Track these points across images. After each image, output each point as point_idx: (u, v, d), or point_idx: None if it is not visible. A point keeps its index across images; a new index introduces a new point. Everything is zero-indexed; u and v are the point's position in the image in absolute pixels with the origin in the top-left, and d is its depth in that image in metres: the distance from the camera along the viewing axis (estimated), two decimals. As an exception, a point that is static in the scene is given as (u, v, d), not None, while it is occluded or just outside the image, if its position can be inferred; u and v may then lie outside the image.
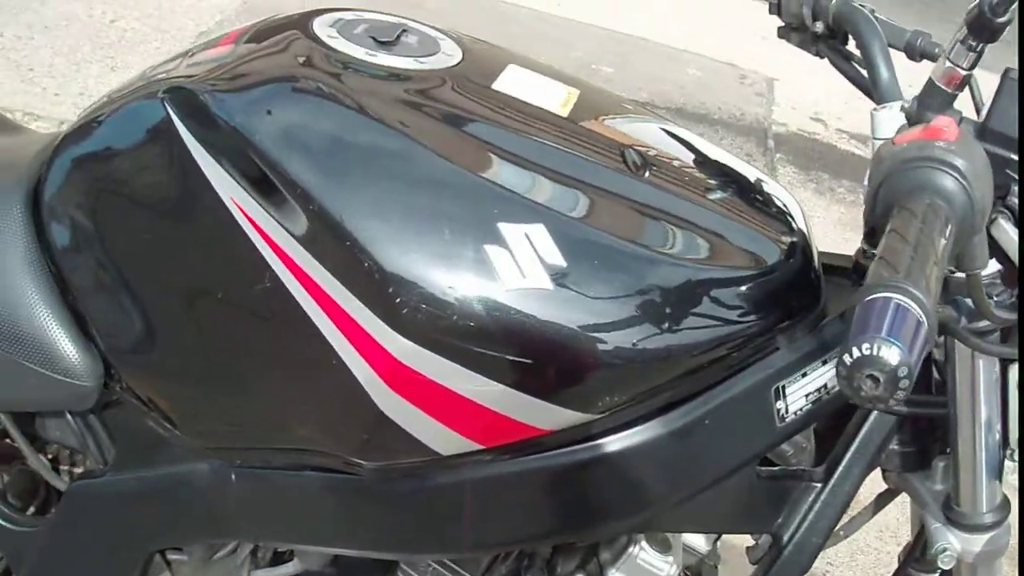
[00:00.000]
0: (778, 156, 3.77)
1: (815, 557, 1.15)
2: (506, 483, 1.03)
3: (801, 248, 1.09)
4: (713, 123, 3.75)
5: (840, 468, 1.12)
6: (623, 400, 0.99)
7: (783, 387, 1.05)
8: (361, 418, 1.02)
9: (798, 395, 1.06)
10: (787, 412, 1.05)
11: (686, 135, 1.23)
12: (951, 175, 0.79)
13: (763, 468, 1.11)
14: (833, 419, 1.14)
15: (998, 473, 1.05)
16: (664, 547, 1.16)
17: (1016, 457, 1.06)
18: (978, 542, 1.06)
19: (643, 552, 1.15)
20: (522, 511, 1.06)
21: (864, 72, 1.11)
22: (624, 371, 0.97)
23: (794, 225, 1.12)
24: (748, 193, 1.15)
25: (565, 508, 1.05)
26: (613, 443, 1.01)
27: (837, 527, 1.24)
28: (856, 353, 0.69)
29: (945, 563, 1.07)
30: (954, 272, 0.92)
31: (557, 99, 1.13)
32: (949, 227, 0.77)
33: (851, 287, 1.11)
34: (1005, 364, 1.02)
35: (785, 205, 1.17)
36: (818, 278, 1.10)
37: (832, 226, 3.44)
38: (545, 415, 0.98)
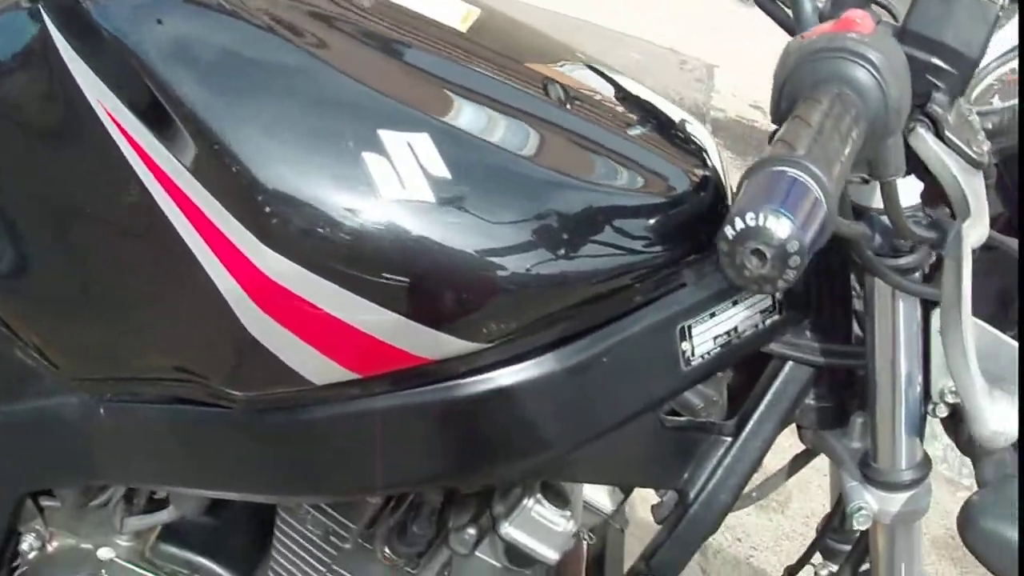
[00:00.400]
0: (716, 142, 3.71)
1: (723, 516, 1.08)
2: (385, 418, 0.94)
3: (714, 184, 1.01)
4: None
5: (751, 422, 1.05)
6: (514, 329, 0.90)
7: (689, 327, 0.97)
8: (230, 343, 0.93)
9: (706, 337, 0.98)
10: (693, 355, 0.98)
11: (610, 71, 1.15)
12: (863, 67, 0.72)
13: (669, 418, 1.03)
14: (747, 375, 1.08)
15: (919, 429, 0.98)
16: (562, 501, 1.08)
17: (939, 412, 0.99)
18: (896, 501, 0.99)
19: (539, 505, 1.07)
20: (403, 450, 0.97)
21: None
22: (515, 297, 0.89)
23: (709, 162, 1.05)
24: (665, 128, 1.08)
25: (450, 448, 0.96)
26: (503, 377, 0.92)
27: (750, 488, 1.17)
28: (740, 224, 0.62)
29: (860, 523, 1.00)
30: (868, 180, 0.85)
31: (456, 15, 1.06)
32: (860, 123, 0.70)
33: None
34: (927, 309, 0.95)
35: (702, 143, 1.10)
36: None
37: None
38: (427, 343, 0.89)
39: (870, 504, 1.00)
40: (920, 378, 0.97)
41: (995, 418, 0.86)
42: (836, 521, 1.18)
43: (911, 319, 0.95)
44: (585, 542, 1.26)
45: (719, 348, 0.99)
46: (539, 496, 1.07)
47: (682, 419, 1.04)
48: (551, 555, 1.07)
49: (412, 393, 0.93)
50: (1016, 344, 0.95)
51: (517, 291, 0.88)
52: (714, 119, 3.87)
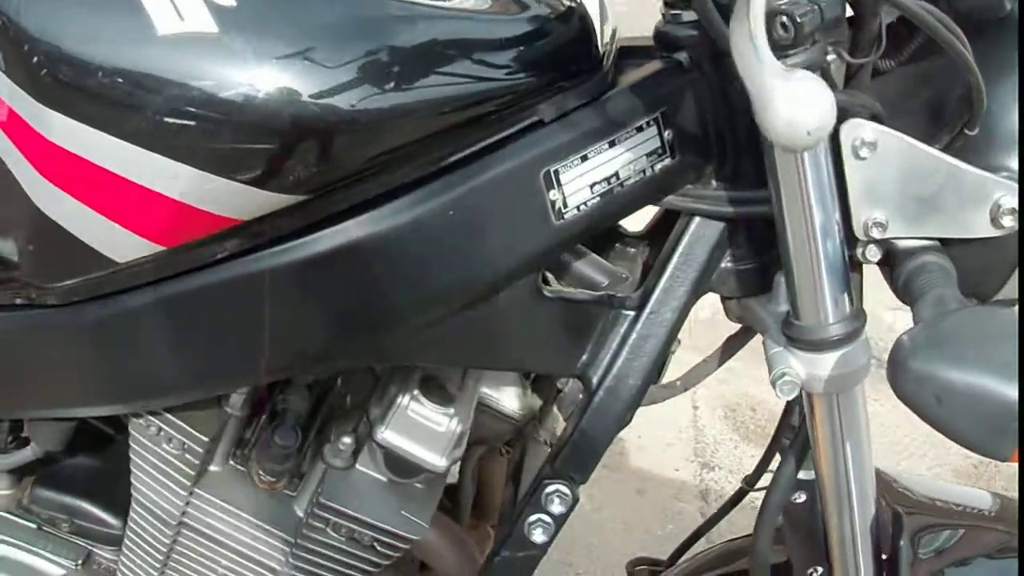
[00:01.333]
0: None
1: (634, 405, 0.94)
2: (201, 299, 0.81)
3: (580, 18, 0.87)
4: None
5: (657, 291, 0.91)
6: (339, 177, 0.77)
7: (556, 172, 0.83)
8: (26, 225, 0.82)
9: (579, 185, 0.84)
10: (566, 206, 0.84)
11: None
12: None
13: (551, 288, 0.90)
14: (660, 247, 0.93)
15: (844, 276, 0.83)
16: (443, 399, 0.95)
17: (870, 255, 0.85)
18: (825, 363, 0.84)
19: (415, 403, 0.94)
20: (227, 337, 0.84)
21: None
22: (334, 137, 0.75)
23: None
24: None
25: (287, 329, 0.83)
26: (333, 235, 0.79)
27: (676, 378, 1.03)
28: None
29: (785, 391, 0.84)
30: None
31: None
32: None
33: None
34: (836, 127, 0.79)
35: None
36: (601, 51, 0.88)
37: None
38: (237, 200, 0.76)
39: (795, 369, 0.85)
40: (838, 215, 0.82)
41: (791, 101, 0.66)
42: (793, 417, 1.04)
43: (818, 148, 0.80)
44: (505, 457, 1.12)
45: (598, 199, 0.85)
46: (416, 393, 0.94)
47: (566, 289, 0.90)
48: (434, 460, 0.94)
49: (228, 266, 0.80)
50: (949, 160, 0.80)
51: (334, 129, 0.75)
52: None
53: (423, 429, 0.93)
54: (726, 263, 0.92)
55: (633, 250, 1.01)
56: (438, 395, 0.94)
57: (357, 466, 0.98)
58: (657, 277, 0.91)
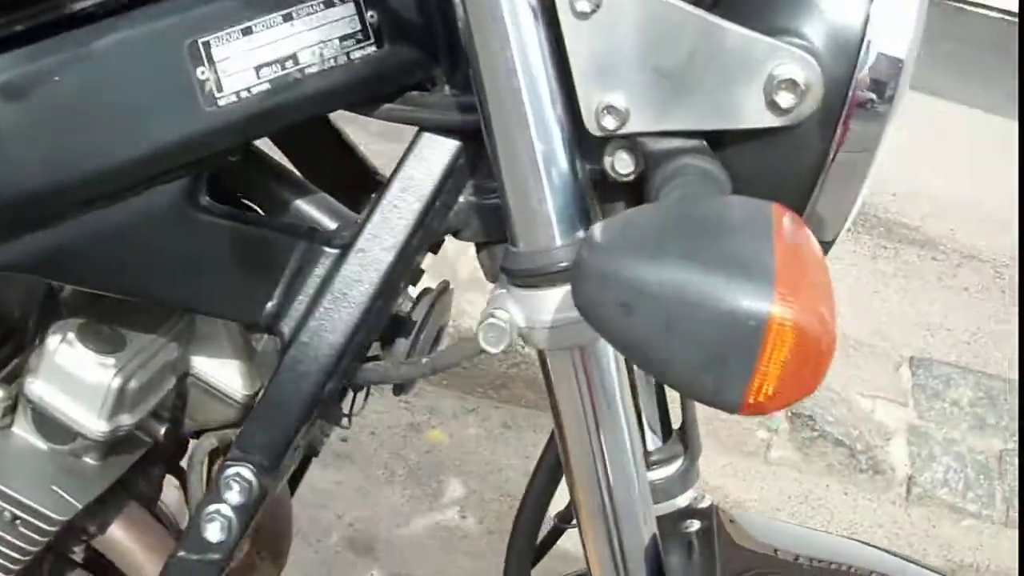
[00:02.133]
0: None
1: (336, 371, 0.75)
2: None
3: None
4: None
5: (370, 223, 0.73)
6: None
7: (206, 45, 0.67)
8: None
9: (240, 64, 0.68)
10: (220, 89, 0.67)
11: None
12: None
13: (212, 203, 0.72)
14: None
15: (574, 187, 0.64)
16: (103, 345, 0.77)
17: (620, 167, 0.65)
18: (547, 303, 0.65)
19: (67, 348, 0.76)
20: None
21: None
22: None
23: None
24: None
25: None
26: None
27: (419, 355, 0.83)
28: None
29: (491, 340, 0.66)
30: None
31: None
32: None
33: None
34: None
35: None
36: None
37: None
38: None
39: (508, 312, 0.66)
40: (560, 105, 0.63)
41: None
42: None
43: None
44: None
45: (267, 85, 0.68)
46: (71, 336, 0.76)
47: (231, 209, 0.73)
48: (86, 421, 0.76)
49: None
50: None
51: None
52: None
53: (74, 380, 0.75)
54: (466, 196, 0.74)
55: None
56: (97, 341, 0.76)
57: (13, 428, 0.80)
58: (372, 208, 0.74)
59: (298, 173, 0.83)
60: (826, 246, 0.68)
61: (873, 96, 0.61)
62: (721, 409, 0.50)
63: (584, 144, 0.64)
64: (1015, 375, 2.50)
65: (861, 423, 2.46)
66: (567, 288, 0.63)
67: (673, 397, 0.96)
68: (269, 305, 0.74)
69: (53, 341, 0.76)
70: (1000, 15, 3.51)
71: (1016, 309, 2.67)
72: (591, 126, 0.63)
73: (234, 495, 0.75)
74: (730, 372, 0.49)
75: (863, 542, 0.98)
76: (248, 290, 0.74)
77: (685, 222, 0.54)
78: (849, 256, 2.94)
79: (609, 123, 0.63)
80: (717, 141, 0.63)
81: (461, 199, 0.74)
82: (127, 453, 0.82)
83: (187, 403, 0.86)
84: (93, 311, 0.79)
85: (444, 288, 0.89)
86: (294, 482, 1.05)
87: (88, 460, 0.80)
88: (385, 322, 0.78)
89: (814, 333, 0.48)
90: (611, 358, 0.68)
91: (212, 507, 0.76)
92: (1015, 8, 3.28)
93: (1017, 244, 2.69)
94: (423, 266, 0.81)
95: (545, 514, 0.78)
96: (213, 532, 0.76)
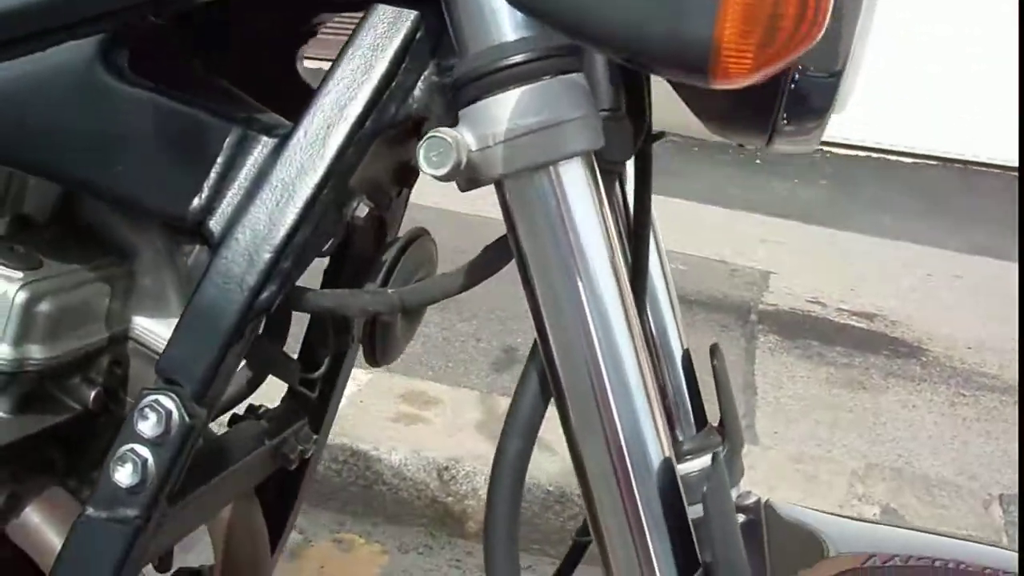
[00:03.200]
0: (760, 327, 3.27)
1: (270, 275, 0.64)
2: None
3: None
4: (689, 303, 3.30)
5: (316, 105, 0.64)
6: None
7: None
8: None
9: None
10: None
11: None
12: None
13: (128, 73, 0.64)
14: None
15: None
16: (14, 261, 0.67)
17: None
18: (499, 112, 0.55)
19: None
20: None
21: None
22: None
23: None
24: None
25: None
26: None
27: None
28: None
29: (433, 162, 0.55)
30: None
31: None
32: None
33: None
34: None
35: None
36: None
37: (818, 384, 2.89)
38: None
39: (456, 131, 0.55)
40: None
41: None
42: None
43: None
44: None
45: None
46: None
47: (155, 84, 0.64)
48: None
49: None
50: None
51: None
52: (762, 311, 3.43)
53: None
54: (428, 76, 0.65)
55: None
56: (7, 256, 0.66)
57: None
58: (318, 90, 0.64)
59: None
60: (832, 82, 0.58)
61: None
62: (686, 74, 0.38)
63: None
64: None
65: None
66: (524, 90, 0.52)
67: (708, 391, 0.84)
68: (197, 199, 0.64)
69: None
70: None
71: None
72: None
73: (149, 426, 0.62)
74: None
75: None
76: (173, 179, 0.64)
77: None
78: (926, 404, 2.78)
79: None
80: None
81: (421, 80, 0.65)
82: (44, 412, 0.70)
83: (127, 372, 0.74)
84: (11, 239, 0.69)
85: (419, 234, 0.78)
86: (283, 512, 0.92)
87: (-7, 408, 0.68)
88: (333, 228, 0.67)
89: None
90: (584, 183, 0.56)
91: (124, 447, 0.63)
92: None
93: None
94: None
95: (527, 468, 0.63)
96: (124, 475, 0.62)
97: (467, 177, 0.55)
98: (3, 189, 0.72)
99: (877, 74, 5.23)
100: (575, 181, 0.56)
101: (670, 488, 0.58)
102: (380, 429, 2.24)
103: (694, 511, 0.62)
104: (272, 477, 0.93)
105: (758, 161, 5.32)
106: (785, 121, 0.62)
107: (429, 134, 0.54)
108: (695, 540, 0.59)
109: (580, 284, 0.56)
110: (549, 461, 2.10)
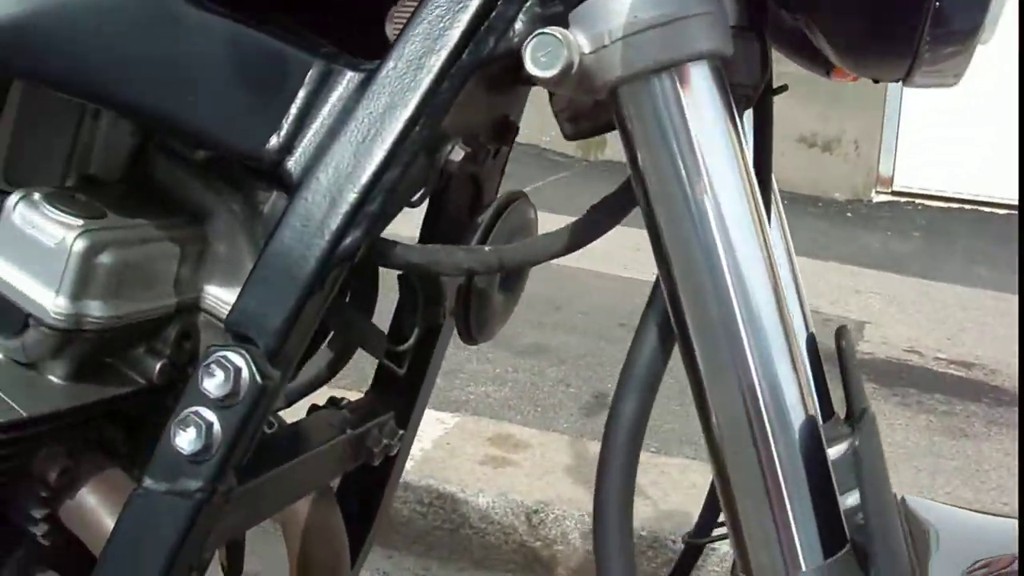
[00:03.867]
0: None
1: (353, 216, 0.57)
2: None
3: None
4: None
5: (406, 39, 0.58)
6: None
7: None
8: None
9: None
10: None
11: None
12: None
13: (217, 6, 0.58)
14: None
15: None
16: (77, 209, 0.61)
17: None
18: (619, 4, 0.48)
19: (26, 207, 0.60)
20: None
21: None
22: None
23: None
24: None
25: None
26: None
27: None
28: None
29: (541, 63, 0.49)
30: None
31: None
32: None
33: None
34: None
35: None
36: None
37: (919, 431, 2.76)
38: None
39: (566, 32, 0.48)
40: None
41: None
42: None
43: None
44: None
45: None
46: (36, 196, 0.61)
47: (231, 11, 0.58)
48: (39, 297, 0.60)
49: None
50: None
51: None
52: (858, 360, 3.29)
53: (28, 243, 0.59)
54: (531, 4, 0.58)
55: None
56: (69, 203, 0.60)
57: None
58: (409, 22, 0.58)
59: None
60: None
61: None
62: None
63: None
64: None
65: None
66: None
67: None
68: (275, 136, 0.58)
69: (12, 199, 0.60)
70: None
71: None
72: None
73: (216, 385, 0.55)
74: None
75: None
76: (250, 114, 0.58)
77: None
78: None
79: None
80: None
81: (523, 11, 0.58)
82: (103, 384, 0.64)
83: (197, 346, 0.68)
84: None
85: (516, 196, 0.71)
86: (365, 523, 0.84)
87: (48, 375, 0.61)
88: (425, 174, 0.60)
89: None
90: (714, 91, 0.48)
91: (187, 409, 0.56)
92: None
93: None
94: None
95: (643, 434, 0.54)
96: (186, 440, 0.55)
97: (579, 85, 0.48)
98: (69, 147, 0.67)
99: (970, 125, 5.10)
100: (703, 88, 0.48)
101: (812, 444, 0.49)
102: (467, 472, 2.16)
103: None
104: (353, 483, 0.86)
105: (849, 214, 5.21)
106: (928, 47, 0.54)
107: (537, 32, 0.48)
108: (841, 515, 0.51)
109: (708, 207, 0.48)
110: (642, 505, 2.00)
